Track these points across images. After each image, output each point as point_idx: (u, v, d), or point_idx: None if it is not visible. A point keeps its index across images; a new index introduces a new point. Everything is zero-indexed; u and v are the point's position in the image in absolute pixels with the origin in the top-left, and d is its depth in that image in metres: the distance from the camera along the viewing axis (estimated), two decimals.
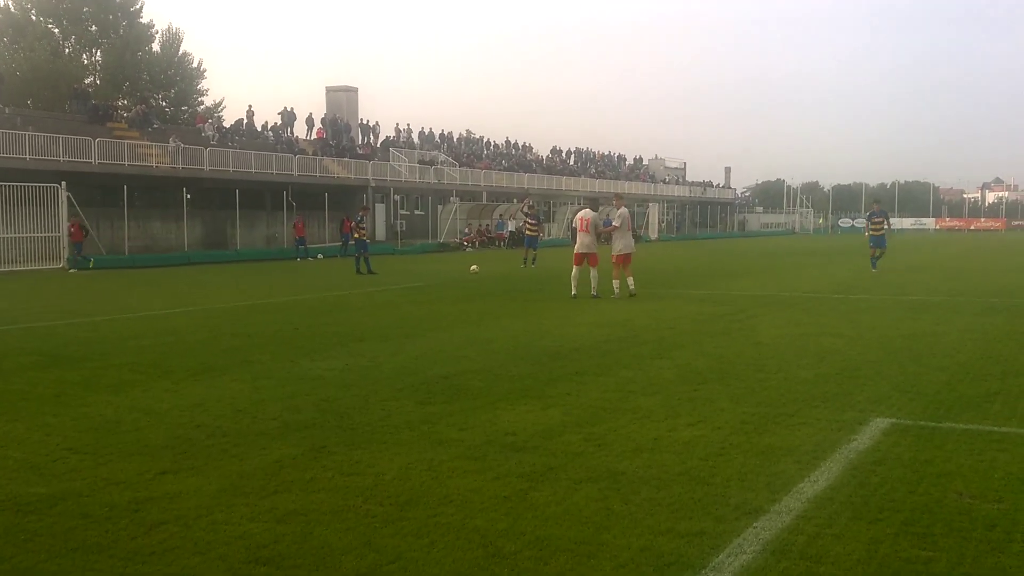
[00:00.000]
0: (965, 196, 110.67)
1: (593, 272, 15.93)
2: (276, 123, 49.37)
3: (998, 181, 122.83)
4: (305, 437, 5.84)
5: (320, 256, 35.88)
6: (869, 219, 25.73)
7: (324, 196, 41.08)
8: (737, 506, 4.40)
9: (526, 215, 26.84)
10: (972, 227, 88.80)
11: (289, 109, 50.37)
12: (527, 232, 26.24)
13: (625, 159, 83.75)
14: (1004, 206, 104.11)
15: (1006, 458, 5.24)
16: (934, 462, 5.15)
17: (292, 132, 49.79)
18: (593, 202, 18.23)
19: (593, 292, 15.72)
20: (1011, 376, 7.92)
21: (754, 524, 4.14)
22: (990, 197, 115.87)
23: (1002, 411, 6.53)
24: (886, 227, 24.33)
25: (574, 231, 16.96)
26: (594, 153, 78.90)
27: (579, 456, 5.34)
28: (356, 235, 25.39)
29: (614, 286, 16.02)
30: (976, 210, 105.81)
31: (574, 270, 16.14)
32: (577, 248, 16.22)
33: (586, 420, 6.27)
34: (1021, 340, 10.23)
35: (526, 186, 58.56)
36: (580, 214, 16.58)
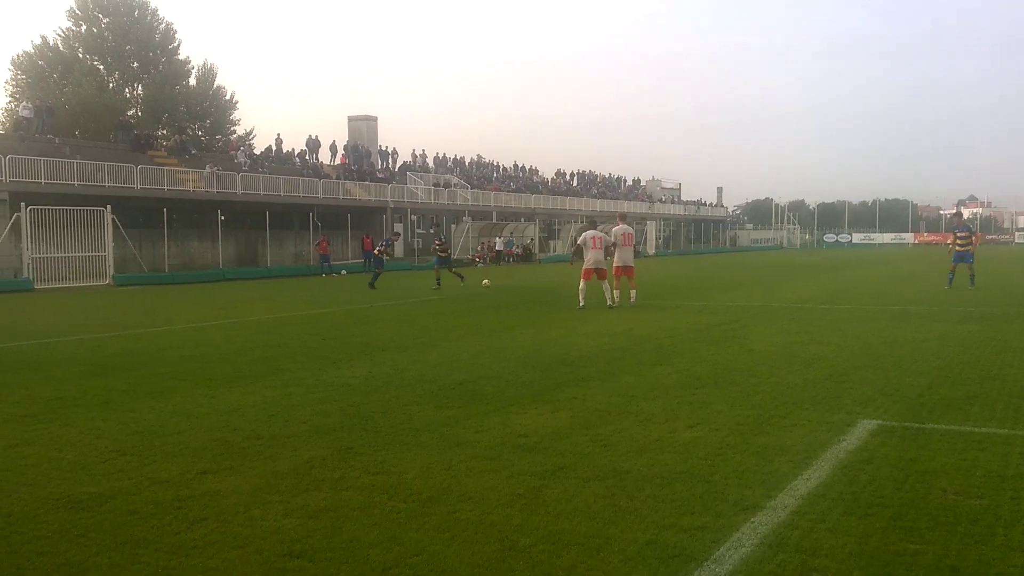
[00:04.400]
0: (941, 212, 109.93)
1: (605, 285, 15.98)
2: (302, 150, 49.62)
3: (972, 198, 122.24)
4: (333, 439, 5.84)
5: (344, 272, 35.94)
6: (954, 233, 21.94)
7: (347, 217, 41.24)
8: (735, 502, 4.37)
9: (435, 240, 24.88)
10: (948, 242, 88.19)
11: (314, 137, 50.65)
12: (438, 254, 24.14)
13: (625, 180, 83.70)
14: (979, 222, 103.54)
15: (986, 457, 5.20)
16: (919, 461, 5.11)
17: (317, 158, 50.00)
18: (592, 223, 18.32)
19: (609, 303, 15.74)
20: (988, 380, 7.86)
21: (752, 519, 4.11)
22: (965, 213, 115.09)
23: (981, 413, 6.48)
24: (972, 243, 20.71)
25: (579, 248, 16.99)
26: (596, 175, 78.88)
27: (586, 456, 5.32)
28: (378, 252, 25.41)
29: (615, 296, 16.04)
30: (952, 226, 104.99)
31: (583, 284, 16.08)
32: (587, 264, 16.18)
33: (592, 422, 6.25)
34: (996, 346, 10.16)
35: (533, 206, 58.59)
36: (591, 234, 16.47)
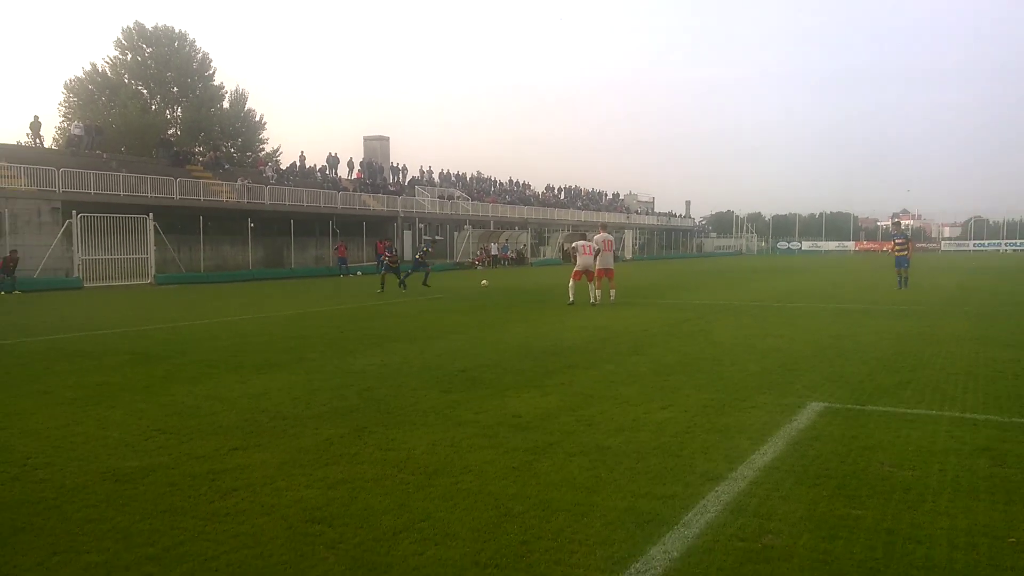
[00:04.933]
0: (879, 224, 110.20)
1: (591, 285, 16.23)
2: (323, 166, 49.46)
3: (905, 211, 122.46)
4: (350, 420, 5.81)
5: (359, 273, 35.80)
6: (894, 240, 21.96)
7: (362, 224, 41.16)
8: (702, 474, 4.37)
9: (387, 250, 22.23)
10: (884, 249, 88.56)
11: (334, 154, 50.45)
12: (389, 264, 22.06)
13: (605, 194, 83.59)
14: (910, 231, 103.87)
15: (917, 434, 5.22)
16: (859, 438, 5.13)
17: (336, 173, 49.81)
18: (581, 234, 18.65)
19: (592, 301, 15.96)
20: (920, 368, 7.89)
21: (716, 488, 4.12)
22: (903, 224, 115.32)
23: (913, 396, 6.51)
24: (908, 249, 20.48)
25: (567, 253, 17.45)
26: (581, 189, 78.81)
27: (573, 434, 5.31)
28: (418, 257, 24.76)
29: (596, 295, 16.11)
30: (888, 235, 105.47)
31: (572, 283, 16.31)
32: (578, 267, 16.41)
33: (578, 405, 6.24)
34: (927, 339, 10.20)
35: (525, 216, 58.53)
36: (581, 243, 16.68)
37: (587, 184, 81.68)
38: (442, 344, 10.17)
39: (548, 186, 73.62)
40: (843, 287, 22.42)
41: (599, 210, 73.07)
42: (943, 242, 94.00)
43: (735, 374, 7.60)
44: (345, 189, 45.75)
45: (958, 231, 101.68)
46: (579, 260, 16.41)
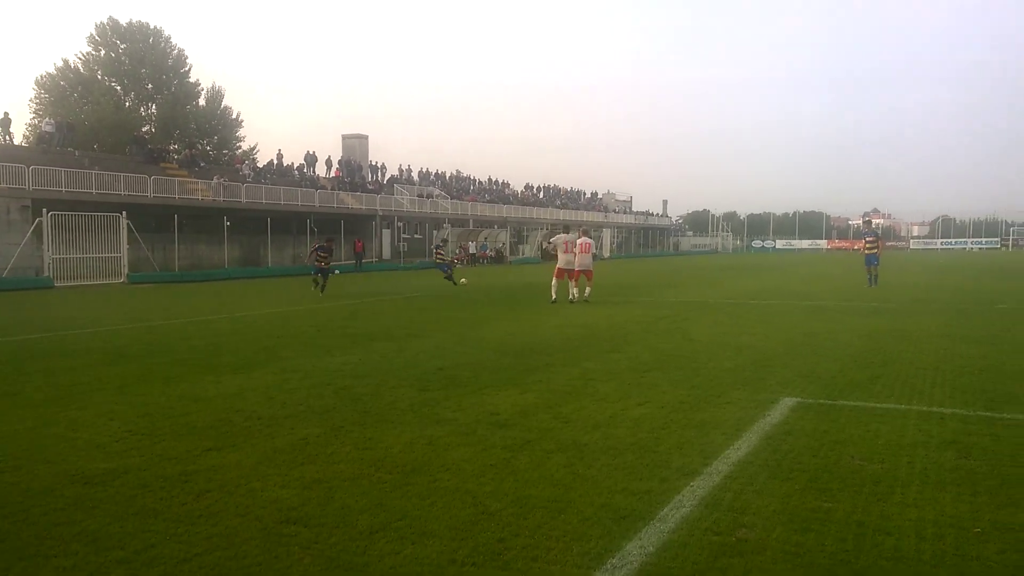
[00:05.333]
0: (850, 223, 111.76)
1: (571, 283, 16.23)
2: (301, 164, 49.02)
3: (875, 211, 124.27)
4: (326, 419, 5.76)
5: (337, 272, 35.55)
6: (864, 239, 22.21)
7: (341, 223, 40.88)
8: (678, 469, 4.39)
9: (321, 248, 20.37)
10: (855, 247, 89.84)
11: (312, 152, 50.00)
12: (321, 265, 20.23)
13: (584, 193, 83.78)
14: (880, 230, 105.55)
15: (887, 428, 5.30)
16: (831, 432, 5.19)
17: (314, 171, 49.39)
18: (565, 228, 18.64)
19: (570, 298, 16.00)
20: (890, 364, 8.01)
21: (691, 484, 4.14)
22: (874, 223, 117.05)
23: (883, 391, 6.60)
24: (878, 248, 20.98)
25: (546, 252, 17.38)
26: (560, 188, 78.96)
27: (551, 431, 5.31)
28: (438, 260, 24.56)
29: (574, 293, 16.17)
30: (859, 234, 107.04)
31: (555, 282, 16.27)
32: (560, 264, 16.38)
33: (556, 402, 6.24)
34: (896, 335, 10.36)
35: (505, 215, 58.52)
36: (563, 238, 16.65)
37: (566, 183, 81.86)
38: (421, 343, 10.12)
39: (527, 185, 73.69)
40: (815, 285, 22.70)
41: (578, 209, 73.27)
42: (912, 241, 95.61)
43: (710, 371, 7.65)
44: (323, 187, 45.37)
45: (926, 230, 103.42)
46: (561, 256, 16.39)
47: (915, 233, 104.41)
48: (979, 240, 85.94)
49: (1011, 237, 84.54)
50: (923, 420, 5.53)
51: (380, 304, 17.11)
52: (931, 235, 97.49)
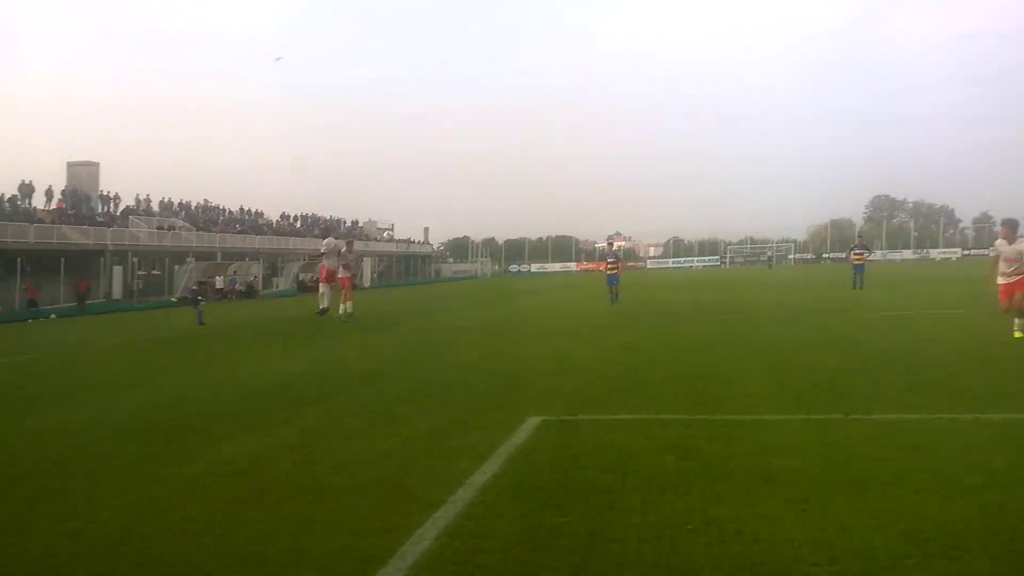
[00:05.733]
0: (596, 245, 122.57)
1: (340, 299, 17.24)
2: (15, 195, 42.19)
3: (618, 234, 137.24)
4: (17, 491, 4.83)
5: (53, 316, 30.86)
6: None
7: (60, 261, 35.68)
8: (422, 501, 4.30)
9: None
10: (602, 268, 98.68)
11: (28, 182, 43.32)
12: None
13: (344, 221, 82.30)
14: (622, 252, 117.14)
15: (620, 438, 5.63)
16: (570, 447, 5.43)
17: (31, 203, 42.89)
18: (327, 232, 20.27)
19: (340, 313, 16.87)
20: (625, 376, 8.61)
21: (434, 515, 4.07)
22: (615, 245, 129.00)
23: (617, 404, 7.08)
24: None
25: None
26: (319, 217, 76.66)
27: (289, 476, 4.95)
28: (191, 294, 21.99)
29: (347, 307, 17.11)
30: (603, 255, 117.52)
31: (322, 287, 17.24)
32: (327, 265, 17.46)
33: (300, 444, 5.86)
34: (633, 349, 11.30)
35: (257, 246, 55.40)
36: (333, 243, 17.91)
37: (325, 212, 79.71)
38: (148, 390, 9.03)
39: (283, 214, 70.63)
40: (566, 306, 24.35)
41: (339, 237, 71.71)
42: (648, 260, 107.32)
43: (463, 396, 7.72)
44: (41, 221, 39.42)
45: (661, 250, 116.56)
46: (326, 261, 17.40)
47: (651, 253, 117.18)
48: (703, 258, 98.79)
49: (728, 256, 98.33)
50: (651, 427, 5.95)
51: (97, 350, 15.06)
52: (665, 255, 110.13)
